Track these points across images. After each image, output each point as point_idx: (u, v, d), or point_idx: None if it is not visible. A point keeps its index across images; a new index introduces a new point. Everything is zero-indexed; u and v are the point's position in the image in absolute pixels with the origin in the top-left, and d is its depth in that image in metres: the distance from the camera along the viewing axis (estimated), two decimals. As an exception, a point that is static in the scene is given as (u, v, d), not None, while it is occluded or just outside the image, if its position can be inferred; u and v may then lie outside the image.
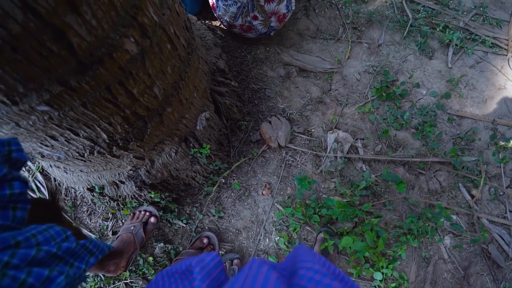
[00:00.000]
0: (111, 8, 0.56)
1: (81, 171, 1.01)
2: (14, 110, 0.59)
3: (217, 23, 1.64)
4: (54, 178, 1.36)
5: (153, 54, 0.71)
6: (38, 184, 1.40)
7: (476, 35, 1.67)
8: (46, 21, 0.48)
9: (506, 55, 1.63)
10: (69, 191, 1.35)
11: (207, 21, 1.65)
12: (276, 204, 1.31)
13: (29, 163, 1.42)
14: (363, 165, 1.38)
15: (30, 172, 1.41)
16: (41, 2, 0.45)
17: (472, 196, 1.37)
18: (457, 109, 1.52)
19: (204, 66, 1.09)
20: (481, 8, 1.74)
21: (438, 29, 1.66)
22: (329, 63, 1.58)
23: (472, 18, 1.73)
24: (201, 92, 1.06)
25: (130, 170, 1.03)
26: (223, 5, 1.34)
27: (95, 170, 0.99)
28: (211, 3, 1.42)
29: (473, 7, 1.76)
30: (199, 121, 1.07)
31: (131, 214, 1.24)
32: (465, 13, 1.74)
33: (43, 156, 0.84)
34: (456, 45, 1.64)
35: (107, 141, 0.81)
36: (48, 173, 1.35)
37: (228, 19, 1.40)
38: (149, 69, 0.72)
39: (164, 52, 0.75)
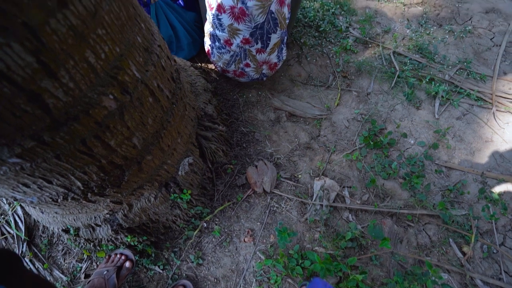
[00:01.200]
0: (91, 71, 0.59)
1: (56, 212, 0.99)
2: (-16, 162, 0.59)
3: (212, 66, 1.72)
4: (34, 214, 1.33)
5: (133, 108, 0.73)
6: (17, 219, 1.36)
7: (461, 88, 1.73)
8: (22, 87, 0.50)
9: (491, 109, 1.67)
10: (47, 228, 1.31)
11: (203, 64, 1.73)
12: (258, 252, 1.26)
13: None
14: (350, 214, 1.35)
15: (11, 205, 1.39)
16: (17, 71, 0.48)
17: (464, 253, 1.31)
18: (445, 160, 1.53)
19: (191, 113, 1.11)
20: (465, 63, 1.83)
21: (424, 81, 1.73)
22: (318, 109, 1.62)
23: (457, 72, 1.81)
24: (186, 137, 1.08)
25: (107, 213, 1.01)
26: (217, 52, 1.41)
27: (70, 212, 0.97)
28: (206, 50, 1.49)
29: (457, 61, 1.84)
30: (182, 167, 1.07)
31: (106, 257, 1.19)
32: (450, 67, 1.82)
33: (16, 200, 0.83)
34: (442, 97, 1.70)
35: (82, 188, 0.80)
36: (28, 208, 1.32)
37: (221, 65, 1.46)
38: (128, 122, 0.74)
39: (145, 105, 0.78)
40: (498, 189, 1.44)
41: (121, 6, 0.65)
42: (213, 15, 1.24)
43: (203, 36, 1.70)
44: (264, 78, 1.56)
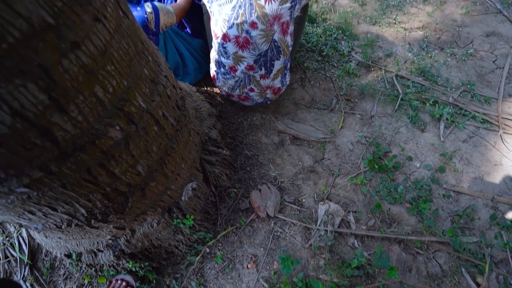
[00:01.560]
0: (98, 105, 0.62)
1: (59, 238, 0.99)
2: (-7, 192, 0.61)
3: (217, 90, 1.76)
4: (38, 237, 1.33)
5: (138, 137, 0.75)
6: (21, 241, 1.37)
7: (466, 110, 1.73)
8: (34, 122, 0.52)
9: (498, 131, 1.65)
10: (50, 251, 1.31)
11: (208, 88, 1.78)
12: (261, 279, 1.23)
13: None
14: (355, 241, 1.31)
15: (16, 227, 1.40)
16: (30, 108, 0.51)
17: (478, 284, 1.25)
18: (453, 184, 1.50)
19: (195, 138, 1.14)
20: (469, 86, 1.83)
21: (428, 104, 1.74)
22: (322, 132, 1.63)
23: (461, 95, 1.81)
24: (190, 162, 1.09)
25: (110, 239, 1.01)
26: (222, 78, 1.46)
27: (73, 238, 0.98)
28: (212, 75, 1.54)
29: (460, 84, 1.85)
30: (185, 192, 1.08)
31: (107, 283, 1.18)
32: (453, 89, 1.83)
33: (21, 226, 0.84)
34: (447, 119, 1.69)
35: (86, 215, 0.81)
36: (33, 231, 1.33)
37: (227, 90, 1.50)
38: (133, 151, 0.76)
39: (150, 134, 0.80)
40: (511, 215, 1.39)
41: (130, 43, 0.69)
42: (219, 43, 1.30)
43: (209, 61, 1.76)
44: (268, 102, 1.59)
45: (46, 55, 0.49)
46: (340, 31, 2.04)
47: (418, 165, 1.55)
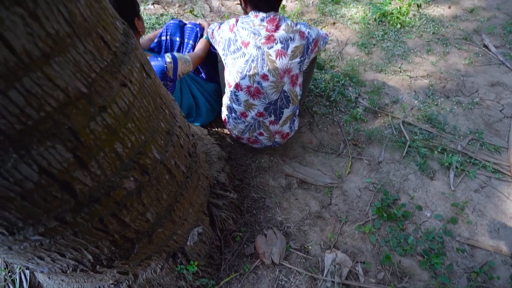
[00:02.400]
0: (117, 159, 0.66)
1: (62, 280, 0.99)
2: (9, 239, 0.64)
3: (227, 131, 1.83)
4: (41, 274, 1.33)
5: (149, 187, 0.79)
6: (23, 278, 1.36)
7: (475, 159, 1.71)
8: (57, 178, 0.57)
9: (511, 182, 1.62)
10: (51, 291, 1.29)
11: (219, 129, 1.85)
12: (264, 335, 1.16)
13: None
14: (364, 296, 1.25)
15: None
16: (55, 166, 0.55)
17: None
18: (467, 237, 1.44)
19: (204, 182, 1.16)
20: (477, 134, 1.84)
21: (436, 151, 1.74)
22: (329, 177, 1.63)
23: (469, 143, 1.81)
24: (197, 207, 1.11)
25: (112, 284, 1.00)
26: (233, 122, 1.52)
27: (76, 281, 0.97)
28: (223, 118, 1.61)
29: (468, 132, 1.86)
30: (191, 236, 1.08)
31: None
32: (461, 137, 1.84)
33: (27, 268, 0.85)
34: (457, 167, 1.68)
35: (92, 261, 0.82)
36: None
37: (236, 133, 1.56)
38: (144, 200, 0.79)
39: (162, 182, 0.83)
40: (531, 274, 1.31)
41: (150, 100, 0.75)
42: (231, 91, 1.38)
43: (221, 104, 1.85)
44: (277, 145, 1.63)
45: (76, 119, 0.55)
46: (347, 78, 2.13)
47: (428, 214, 1.51)
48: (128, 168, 0.70)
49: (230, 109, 1.47)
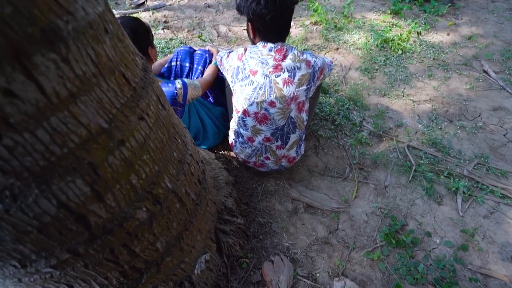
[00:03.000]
0: (131, 190, 0.67)
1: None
2: (20, 272, 0.64)
3: (233, 154, 1.84)
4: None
5: (161, 216, 0.79)
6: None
7: (483, 184, 1.70)
8: (74, 211, 0.57)
9: (521, 209, 1.60)
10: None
11: (225, 152, 1.86)
12: None
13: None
14: (376, 329, 1.20)
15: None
16: (73, 199, 0.56)
17: None
18: (479, 265, 1.40)
19: (212, 208, 1.16)
20: (482, 158, 1.84)
21: (442, 176, 1.73)
22: (336, 201, 1.62)
23: (475, 167, 1.81)
24: (205, 233, 1.10)
25: (116, 315, 0.97)
26: (240, 146, 1.54)
27: (81, 312, 0.95)
28: (230, 142, 1.63)
29: (474, 156, 1.86)
30: (198, 264, 1.06)
31: None
32: (467, 161, 1.83)
33: (34, 299, 0.84)
34: (464, 192, 1.66)
35: (99, 292, 0.80)
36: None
37: (243, 157, 1.57)
38: (155, 229, 0.79)
39: (172, 211, 0.83)
40: (548, 307, 1.26)
41: (164, 131, 0.77)
42: (239, 117, 1.41)
43: (227, 127, 1.88)
44: (283, 169, 1.64)
45: (96, 154, 0.56)
46: (351, 102, 2.17)
47: (438, 241, 1.48)
48: (142, 199, 0.71)
49: (238, 133, 1.50)
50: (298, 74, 1.25)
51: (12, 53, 0.41)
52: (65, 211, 0.56)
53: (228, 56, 1.40)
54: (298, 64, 1.24)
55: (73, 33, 0.48)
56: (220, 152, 1.84)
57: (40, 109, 0.46)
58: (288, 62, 1.23)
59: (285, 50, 1.24)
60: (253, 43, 1.34)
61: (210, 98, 1.87)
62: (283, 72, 1.24)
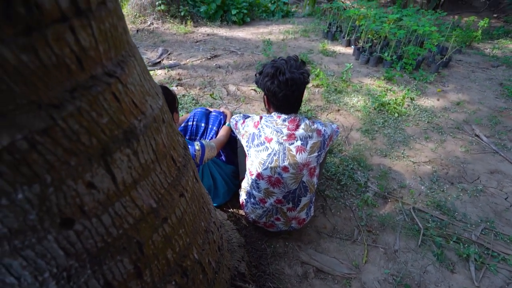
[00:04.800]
0: (166, 264, 0.69)
1: None
2: None
3: (242, 212, 1.86)
4: None
5: (186, 289, 0.79)
6: None
7: (493, 251, 1.70)
8: (114, 289, 0.59)
9: (534, 279, 1.57)
10: None
11: (234, 210, 1.88)
12: None
13: None
14: None
15: None
16: (118, 278, 0.58)
17: None
18: None
19: (227, 274, 1.14)
20: (488, 223, 1.87)
21: (451, 241, 1.74)
22: (346, 266, 1.59)
23: (483, 232, 1.82)
24: (219, 303, 1.06)
25: None
26: (251, 206, 1.57)
27: None
28: (241, 202, 1.66)
29: (479, 220, 1.89)
30: None
31: None
32: (473, 226, 1.86)
33: None
34: (476, 260, 1.65)
35: None
36: None
37: (253, 217, 1.59)
38: (179, 303, 0.78)
39: (196, 283, 0.84)
40: None
41: (196, 203, 0.82)
42: (252, 179, 1.47)
43: (237, 185, 1.93)
44: (292, 230, 1.64)
45: (144, 233, 0.61)
46: (355, 162, 2.27)
47: (456, 315, 1.42)
48: (173, 273, 0.72)
49: (250, 194, 1.54)
50: (310, 142, 1.36)
51: (100, 152, 0.48)
52: (107, 289, 0.58)
53: (244, 122, 1.53)
54: (310, 133, 1.36)
55: (143, 129, 0.56)
56: (229, 210, 1.86)
57: (109, 196, 0.52)
58: (301, 131, 1.35)
59: (297, 120, 1.36)
60: (268, 112, 1.47)
61: (222, 157, 1.96)
62: (297, 141, 1.35)
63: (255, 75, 1.42)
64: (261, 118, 1.45)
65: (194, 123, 1.92)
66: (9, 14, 0.33)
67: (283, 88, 1.28)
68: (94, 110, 0.45)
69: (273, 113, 1.41)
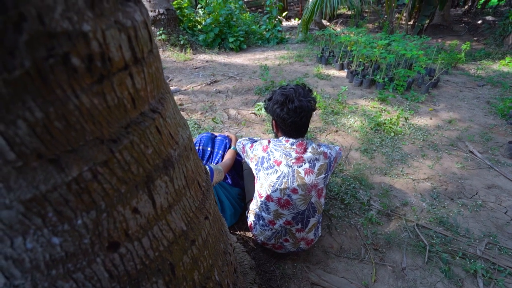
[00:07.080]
0: (192, 286, 0.72)
1: None
2: None
3: (249, 234, 1.87)
4: None
5: (209, 312, 0.81)
6: None
7: (499, 266, 1.72)
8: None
9: (542, 293, 1.59)
10: None
11: (241, 232, 1.89)
12: None
13: None
14: None
15: None
16: (152, 299, 0.61)
17: None
18: None
19: (242, 298, 1.15)
20: (491, 238, 1.90)
21: (457, 257, 1.76)
22: (356, 286, 1.59)
23: (487, 247, 1.85)
24: (235, 328, 1.06)
25: None
26: (260, 228, 1.59)
27: None
28: (249, 224, 1.69)
29: (482, 235, 1.93)
30: None
31: None
32: (477, 241, 1.89)
33: None
34: (483, 275, 1.67)
35: None
36: None
37: (262, 239, 1.61)
38: (203, 327, 0.79)
39: (217, 306, 0.85)
40: None
41: (217, 225, 0.86)
42: (262, 201, 1.51)
43: (243, 206, 1.96)
44: (300, 250, 1.65)
45: (176, 255, 0.64)
46: (357, 181, 2.32)
47: (469, 333, 1.42)
48: (198, 295, 0.75)
49: (258, 216, 1.57)
50: (318, 165, 1.42)
51: (144, 180, 0.54)
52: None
53: (252, 146, 1.59)
54: (317, 156, 1.42)
55: (178, 158, 0.62)
56: (237, 233, 1.87)
57: (149, 220, 0.57)
58: (308, 154, 1.41)
59: (305, 144, 1.43)
60: (276, 136, 1.54)
61: (228, 180, 2.00)
62: (305, 163, 1.41)
63: (264, 101, 1.51)
64: (269, 142, 1.52)
65: (201, 147, 1.98)
66: (90, 68, 0.40)
67: (292, 115, 1.36)
68: (142, 143, 0.51)
69: (281, 137, 1.48)
